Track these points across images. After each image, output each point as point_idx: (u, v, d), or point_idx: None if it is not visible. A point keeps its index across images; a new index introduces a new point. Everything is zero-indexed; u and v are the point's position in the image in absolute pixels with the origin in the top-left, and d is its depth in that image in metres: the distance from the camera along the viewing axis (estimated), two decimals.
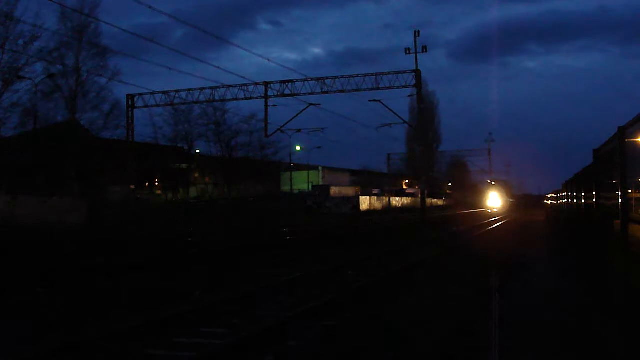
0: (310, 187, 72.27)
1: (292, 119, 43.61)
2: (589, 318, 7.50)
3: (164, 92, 44.33)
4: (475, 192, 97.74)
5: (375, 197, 73.41)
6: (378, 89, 40.35)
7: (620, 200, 6.47)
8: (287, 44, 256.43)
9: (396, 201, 79.36)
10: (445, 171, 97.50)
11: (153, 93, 44.30)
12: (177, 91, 43.95)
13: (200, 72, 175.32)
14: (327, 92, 41.04)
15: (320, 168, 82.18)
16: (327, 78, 41.19)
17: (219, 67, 58.68)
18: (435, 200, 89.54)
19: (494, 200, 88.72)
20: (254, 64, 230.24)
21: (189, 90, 43.40)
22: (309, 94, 41.22)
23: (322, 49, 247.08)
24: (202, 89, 42.89)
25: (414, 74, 39.49)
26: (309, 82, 41.25)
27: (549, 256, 16.19)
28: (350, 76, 40.86)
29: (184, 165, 49.08)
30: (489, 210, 74.92)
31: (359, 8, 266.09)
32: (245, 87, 42.35)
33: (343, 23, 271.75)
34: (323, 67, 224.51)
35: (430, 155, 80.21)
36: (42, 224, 26.89)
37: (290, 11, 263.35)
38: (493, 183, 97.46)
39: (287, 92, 41.73)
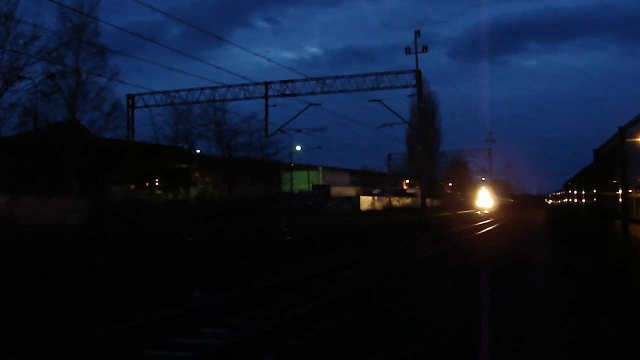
0: (311, 187, 72.30)
1: (292, 119, 43.61)
2: (587, 319, 7.49)
3: (164, 92, 44.35)
4: (473, 192, 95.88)
5: (376, 197, 73.43)
6: (378, 88, 40.38)
7: (620, 200, 6.46)
8: (284, 42, 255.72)
9: (396, 201, 79.34)
10: (445, 171, 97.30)
11: (153, 93, 44.31)
12: (177, 91, 43.99)
13: (198, 70, 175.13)
14: (327, 92, 41.07)
15: (320, 168, 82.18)
16: (328, 78, 41.23)
17: (219, 67, 58.94)
18: (436, 200, 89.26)
19: (486, 200, 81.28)
20: (251, 63, 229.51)
21: (189, 90, 43.43)
22: (309, 93, 41.25)
23: (320, 47, 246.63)
24: (202, 88, 42.92)
25: (414, 73, 39.48)
26: (309, 82, 41.29)
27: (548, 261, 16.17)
28: (351, 76, 40.90)
29: (184, 165, 49.07)
30: (478, 212, 66.59)
31: (355, 6, 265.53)
32: (246, 87, 42.39)
33: (340, 21, 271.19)
34: (321, 66, 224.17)
35: (431, 155, 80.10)
36: (42, 224, 26.90)
37: (286, 9, 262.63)
38: (483, 179, 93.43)
39: (287, 92, 41.76)
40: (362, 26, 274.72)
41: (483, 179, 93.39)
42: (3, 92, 31.38)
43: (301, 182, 71.89)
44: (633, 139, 6.05)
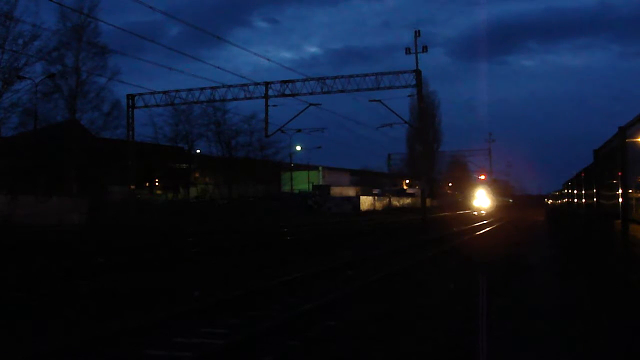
0: (311, 187, 72.28)
1: (292, 119, 43.60)
2: (587, 318, 7.50)
3: (164, 92, 44.30)
4: (472, 192, 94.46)
5: (376, 197, 73.41)
6: (378, 88, 40.32)
7: (620, 200, 6.46)
8: (283, 42, 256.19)
9: (396, 201, 79.32)
10: (445, 171, 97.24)
11: (153, 93, 44.27)
12: (177, 91, 43.93)
13: (198, 70, 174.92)
14: (327, 92, 41.01)
15: (320, 168, 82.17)
16: (328, 78, 41.19)
17: (219, 67, 58.73)
18: (436, 200, 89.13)
19: (482, 200, 76.16)
20: (250, 63, 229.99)
21: (189, 90, 43.37)
22: (309, 94, 41.20)
23: (320, 47, 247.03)
24: (202, 89, 42.87)
25: (414, 73, 39.47)
26: (309, 82, 41.23)
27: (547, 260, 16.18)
28: (351, 76, 40.86)
29: (184, 165, 49.12)
30: (475, 213, 63.70)
31: (355, 6, 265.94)
32: (246, 87, 42.34)
33: (340, 21, 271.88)
34: (321, 66, 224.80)
35: (431, 155, 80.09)
36: (42, 224, 26.93)
37: (284, 8, 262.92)
38: (481, 177, 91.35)
39: (287, 92, 41.71)
40: (362, 26, 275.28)
41: (481, 177, 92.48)
42: (3, 92, 31.45)
43: (301, 182, 71.89)
44: (633, 139, 6.04)
